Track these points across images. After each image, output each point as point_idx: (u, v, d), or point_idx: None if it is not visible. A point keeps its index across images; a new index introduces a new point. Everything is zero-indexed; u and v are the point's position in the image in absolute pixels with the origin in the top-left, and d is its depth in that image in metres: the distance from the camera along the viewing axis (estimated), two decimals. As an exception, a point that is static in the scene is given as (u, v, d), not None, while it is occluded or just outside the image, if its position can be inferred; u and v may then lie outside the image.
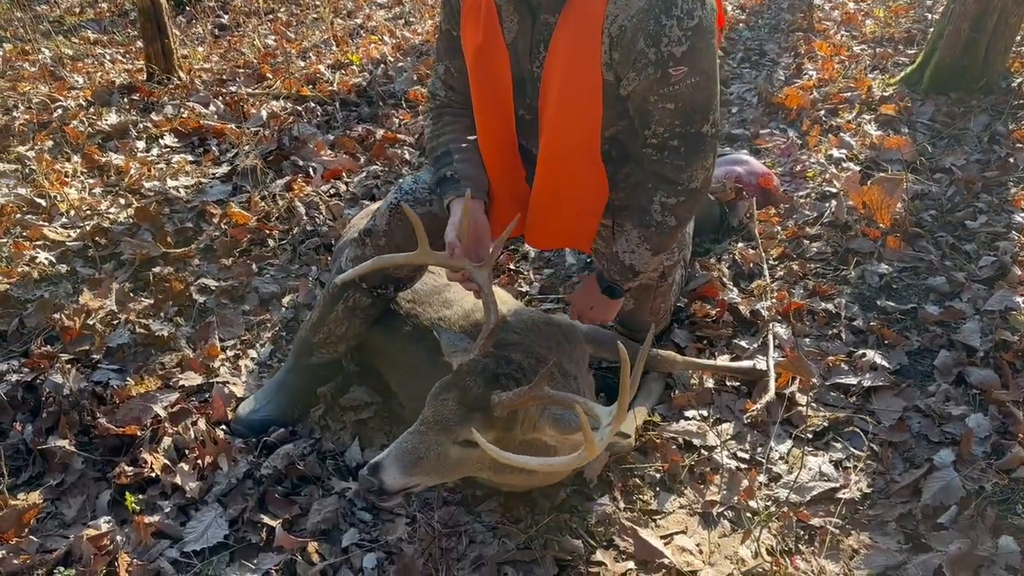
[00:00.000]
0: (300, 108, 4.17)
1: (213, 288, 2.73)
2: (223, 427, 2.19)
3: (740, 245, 2.89)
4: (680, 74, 1.67)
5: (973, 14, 3.62)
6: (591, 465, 1.99)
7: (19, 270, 2.78)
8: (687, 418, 2.22)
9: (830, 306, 2.55)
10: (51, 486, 2.04)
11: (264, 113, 4.05)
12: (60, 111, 4.25)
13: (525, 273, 2.88)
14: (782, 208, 3.08)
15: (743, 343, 2.45)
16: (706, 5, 1.68)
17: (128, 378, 2.31)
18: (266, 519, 1.92)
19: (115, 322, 2.52)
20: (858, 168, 3.23)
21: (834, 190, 3.11)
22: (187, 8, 6.66)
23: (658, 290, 2.31)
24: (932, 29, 4.15)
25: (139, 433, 2.11)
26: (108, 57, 5.42)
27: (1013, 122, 3.50)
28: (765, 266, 2.73)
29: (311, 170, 3.50)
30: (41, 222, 3.08)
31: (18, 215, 3.11)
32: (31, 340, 2.43)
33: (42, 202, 3.22)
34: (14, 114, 4.18)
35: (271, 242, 3.02)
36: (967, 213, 2.89)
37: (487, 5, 1.82)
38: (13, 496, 1.96)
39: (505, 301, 2.23)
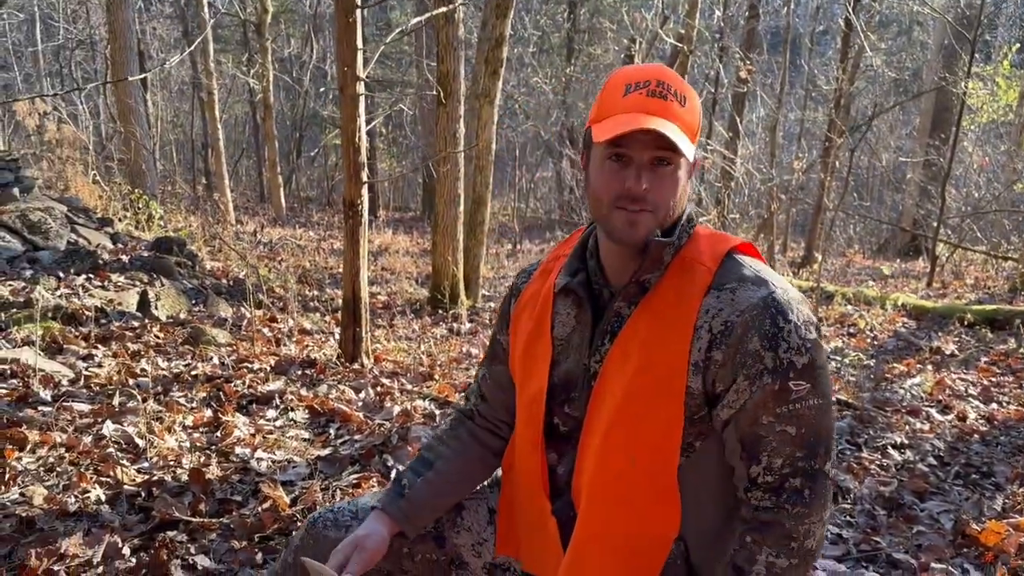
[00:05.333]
0: (439, 412, 4.12)
1: (200, 568, 2.53)
2: None
3: None
4: (802, 391, 1.36)
5: None
6: None
7: (62, 499, 2.82)
8: None
9: None
10: None
11: (397, 408, 4.04)
12: (243, 370, 4.61)
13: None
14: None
15: None
16: (819, 329, 1.42)
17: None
18: None
19: (82, 575, 2.39)
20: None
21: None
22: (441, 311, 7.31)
23: None
24: None
25: None
26: (329, 335, 5.94)
27: None
28: None
29: (396, 471, 3.31)
30: (124, 460, 3.18)
31: (109, 448, 3.25)
32: (2, 570, 2.37)
33: (140, 443, 3.35)
34: (200, 367, 4.59)
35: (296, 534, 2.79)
36: None
37: (545, 294, 1.64)
38: None
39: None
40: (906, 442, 4.18)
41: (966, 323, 7.28)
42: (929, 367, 5.79)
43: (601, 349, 1.52)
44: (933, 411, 4.69)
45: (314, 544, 1.73)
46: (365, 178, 4.73)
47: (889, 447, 4.09)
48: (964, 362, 6.08)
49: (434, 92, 7.51)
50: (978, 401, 5.05)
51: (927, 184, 14.77)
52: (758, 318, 1.37)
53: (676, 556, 1.54)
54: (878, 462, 3.89)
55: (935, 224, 11.48)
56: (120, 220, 8.97)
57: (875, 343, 6.81)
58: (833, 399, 1.39)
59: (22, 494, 2.83)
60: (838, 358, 5.96)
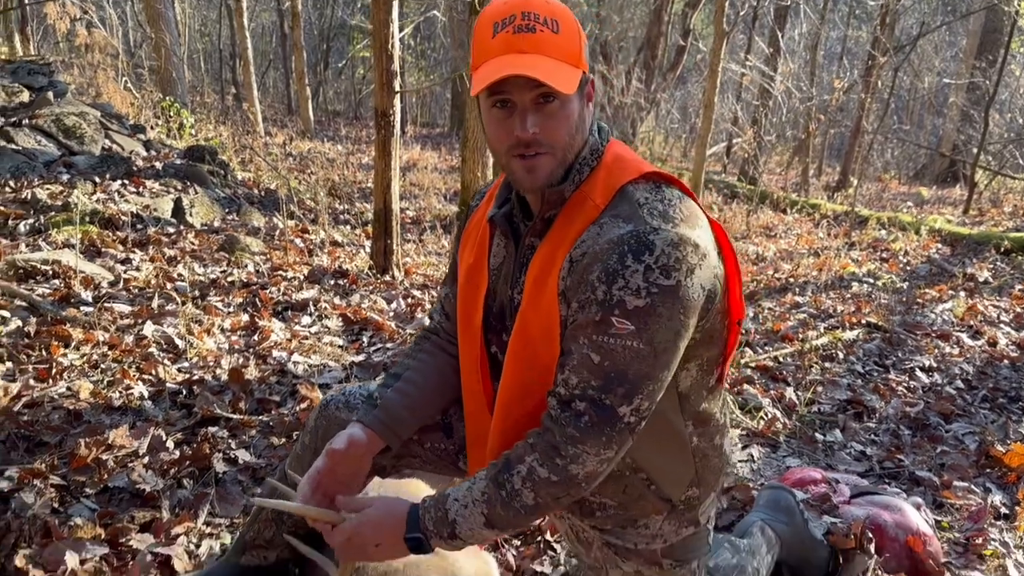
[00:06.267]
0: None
1: (241, 463, 2.63)
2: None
3: (841, 610, 2.16)
4: (623, 330, 1.32)
5: None
6: None
7: (107, 394, 2.92)
8: None
9: None
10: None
11: (427, 320, 4.09)
12: (277, 278, 4.67)
13: (556, 551, 2.39)
14: (928, 584, 2.29)
15: None
16: (696, 280, 1.35)
17: (91, 520, 2.22)
18: None
19: (129, 464, 2.49)
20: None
21: (1010, 583, 2.27)
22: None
23: None
24: None
25: (42, 577, 1.98)
26: (359, 248, 5.98)
27: None
28: (854, 649, 1.99)
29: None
30: (165, 360, 3.27)
31: (151, 348, 3.34)
32: (52, 456, 2.48)
33: (180, 344, 3.44)
34: (236, 274, 4.66)
35: (331, 436, 2.88)
36: None
37: (484, 226, 1.65)
38: None
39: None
40: (935, 365, 4.18)
41: (1002, 250, 7.16)
42: (962, 293, 5.74)
43: (519, 281, 1.54)
44: (964, 336, 4.67)
45: (327, 425, 1.80)
46: (397, 87, 4.68)
47: (917, 369, 4.10)
48: (998, 289, 6.02)
49: (467, 0, 7.32)
50: (1010, 328, 5.02)
51: (970, 109, 14.32)
52: (607, 252, 1.34)
53: (640, 484, 1.57)
54: (905, 384, 3.90)
55: (975, 150, 11.19)
56: (152, 128, 8.97)
57: (908, 268, 6.74)
58: (669, 356, 1.35)
59: (69, 388, 2.94)
60: (870, 280, 5.92)
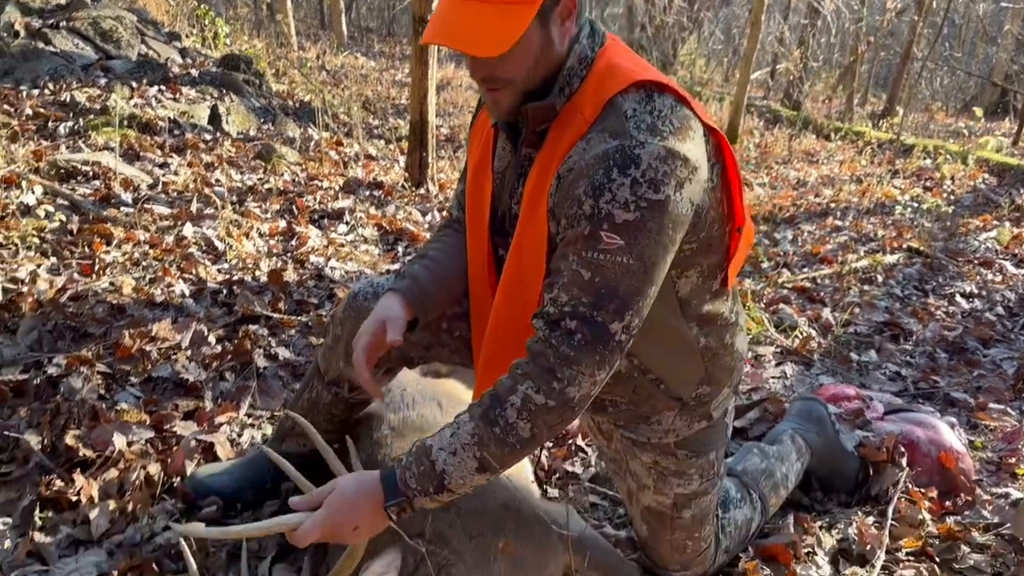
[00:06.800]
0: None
1: (281, 359, 2.68)
2: (178, 481, 2.06)
3: (869, 520, 2.18)
4: (612, 245, 1.29)
5: None
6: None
7: (149, 290, 2.97)
8: None
9: (941, 640, 1.78)
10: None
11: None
12: (313, 187, 4.68)
13: (587, 454, 2.43)
14: (958, 501, 2.30)
15: (794, 639, 1.78)
16: (685, 195, 1.31)
17: (137, 406, 2.28)
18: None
19: (172, 356, 2.55)
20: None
21: (1041, 500, 2.27)
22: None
23: (676, 521, 1.77)
24: None
25: (92, 455, 2.05)
26: (393, 162, 5.95)
27: None
28: (881, 553, 2.01)
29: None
30: (205, 261, 3.31)
31: (191, 248, 3.38)
32: (98, 346, 2.54)
33: (220, 245, 3.47)
34: (272, 181, 4.67)
35: (368, 338, 2.92)
36: None
37: (489, 127, 1.62)
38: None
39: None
40: (975, 291, 4.11)
41: (1052, 182, 6.94)
42: (1007, 223, 5.59)
43: (517, 191, 1.52)
44: (1007, 263, 4.57)
45: (355, 315, 1.79)
46: (437, -6, 4.57)
47: (957, 295, 4.03)
48: (1045, 220, 5.86)
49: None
50: (1056, 258, 4.90)
51: (1026, 37, 13.71)
52: (593, 166, 1.30)
53: (649, 385, 1.58)
54: (944, 308, 3.85)
55: (1031, 78, 10.74)
56: (187, 36, 8.89)
57: (952, 197, 6.57)
58: (657, 272, 1.32)
59: (112, 283, 2.99)
60: (914, 205, 5.78)
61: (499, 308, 1.54)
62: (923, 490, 2.28)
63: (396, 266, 3.63)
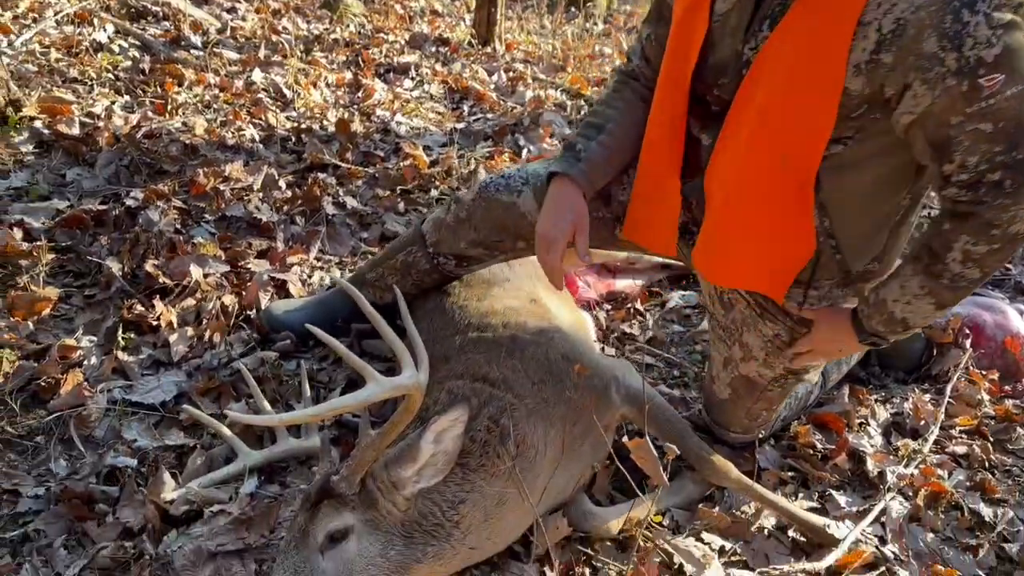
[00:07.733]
0: (571, 103, 4.07)
1: (349, 208, 2.71)
2: (251, 313, 2.15)
3: (926, 397, 2.19)
4: (995, 84, 1.23)
5: None
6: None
7: (221, 133, 3.00)
8: (701, 540, 1.70)
9: (988, 511, 1.81)
10: (84, 295, 2.16)
11: (530, 94, 4.01)
12: (379, 39, 4.60)
13: (644, 317, 2.46)
14: (1018, 386, 2.29)
15: (841, 499, 1.83)
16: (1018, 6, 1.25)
17: (212, 242, 2.35)
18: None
19: (244, 197, 2.60)
20: None
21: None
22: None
23: (765, 393, 1.81)
24: None
25: (171, 284, 2.14)
26: (460, 20, 5.79)
27: None
28: (936, 428, 2.03)
29: (527, 151, 3.36)
30: (274, 107, 3.32)
31: (260, 94, 3.38)
32: (173, 182, 2.60)
33: (288, 93, 3.47)
34: (339, 32, 4.59)
35: (434, 191, 2.93)
36: None
37: None
38: (39, 285, 2.09)
39: (561, 318, 1.91)
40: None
41: None
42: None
43: (759, 35, 1.41)
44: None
45: (487, 206, 1.82)
46: None
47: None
48: None
49: None
50: None
51: None
52: (937, 14, 1.21)
53: (828, 251, 1.55)
54: None
55: None
56: None
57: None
58: None
59: (184, 124, 3.02)
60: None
61: (740, 163, 1.50)
62: (984, 372, 2.27)
63: (462, 125, 3.59)
